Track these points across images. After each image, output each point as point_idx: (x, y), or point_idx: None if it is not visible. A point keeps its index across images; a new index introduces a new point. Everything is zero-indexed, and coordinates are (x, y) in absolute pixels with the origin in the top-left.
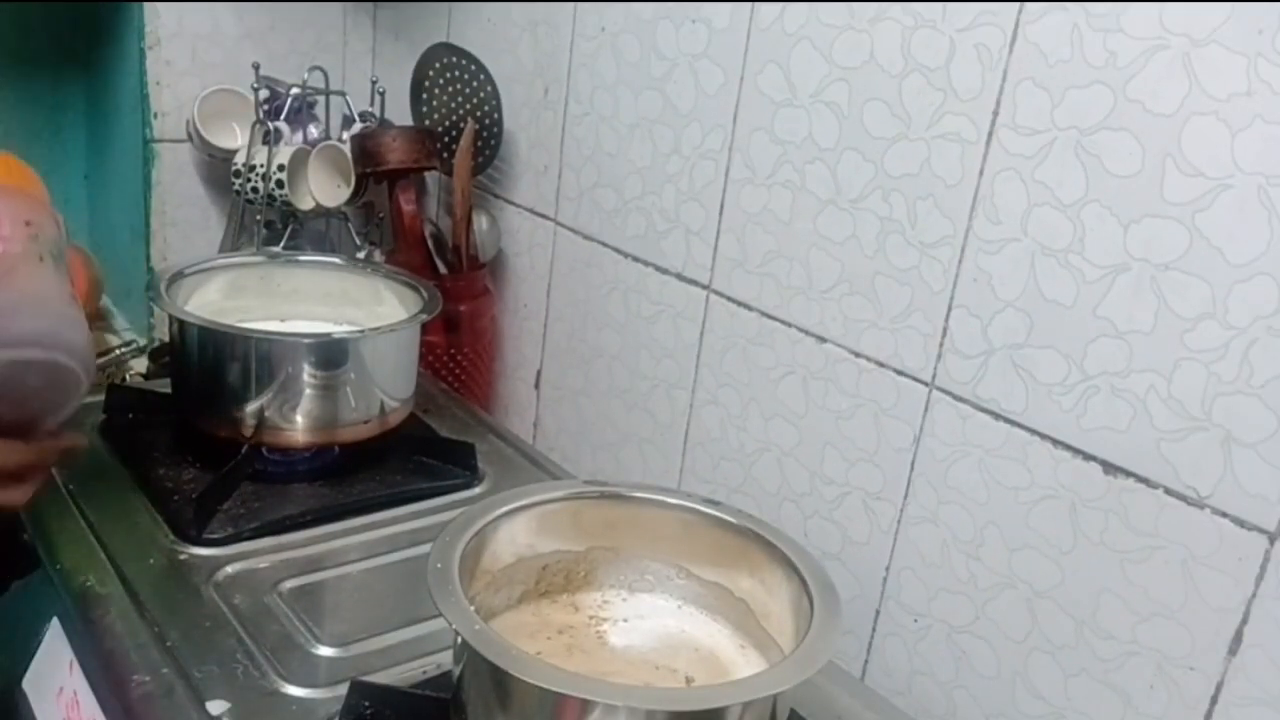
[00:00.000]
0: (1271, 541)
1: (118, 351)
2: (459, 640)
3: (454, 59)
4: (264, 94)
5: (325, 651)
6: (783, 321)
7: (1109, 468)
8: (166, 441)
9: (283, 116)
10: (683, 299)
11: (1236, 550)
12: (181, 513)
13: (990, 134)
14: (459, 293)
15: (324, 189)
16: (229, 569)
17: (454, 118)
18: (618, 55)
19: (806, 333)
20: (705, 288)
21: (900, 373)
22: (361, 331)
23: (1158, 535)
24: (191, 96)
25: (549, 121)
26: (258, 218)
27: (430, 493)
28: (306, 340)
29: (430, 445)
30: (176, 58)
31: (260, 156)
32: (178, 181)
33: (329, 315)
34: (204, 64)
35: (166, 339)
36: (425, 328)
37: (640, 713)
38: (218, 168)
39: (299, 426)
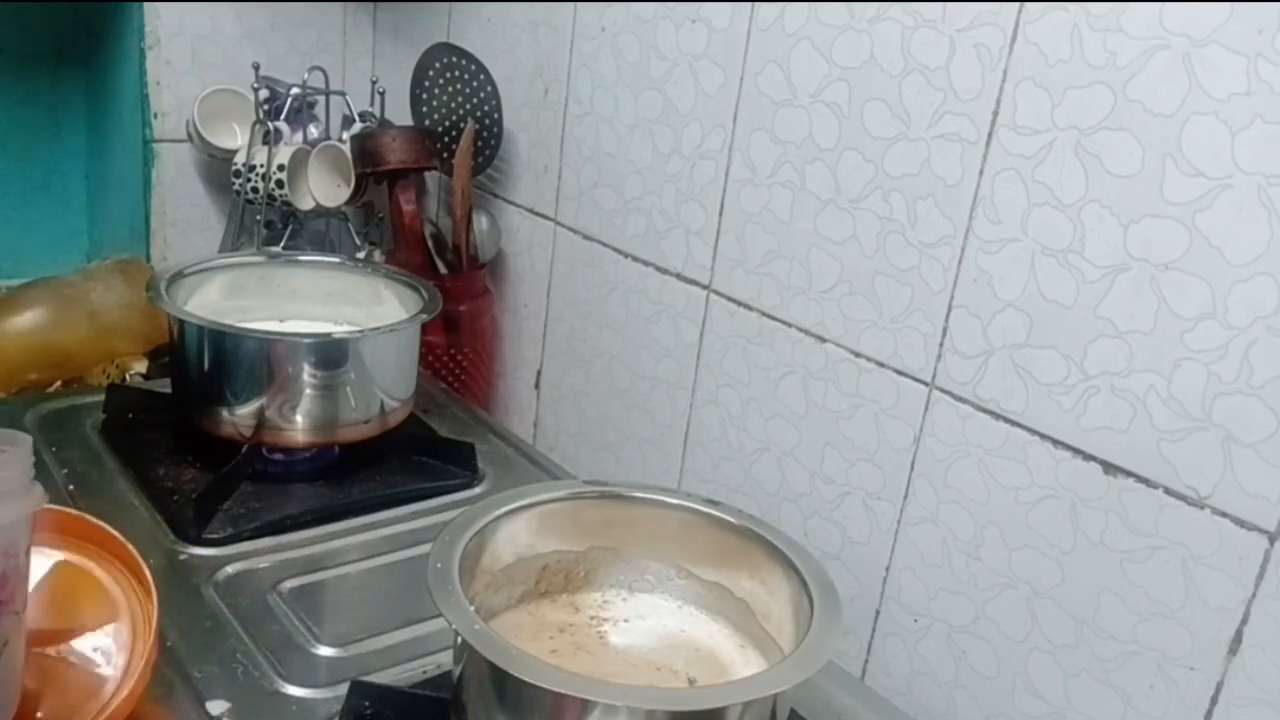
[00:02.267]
0: (1271, 541)
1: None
2: (459, 640)
3: (454, 59)
4: (264, 94)
5: (325, 651)
6: (783, 321)
7: (1109, 468)
8: (166, 441)
9: (283, 116)
10: (683, 299)
11: (1236, 550)
12: (181, 513)
13: (990, 134)
14: (459, 293)
15: (324, 189)
16: (229, 569)
17: (454, 118)
18: (618, 55)
19: (806, 333)
20: (705, 288)
21: (900, 373)
22: (361, 331)
23: (1158, 535)
24: (191, 96)
25: (549, 121)
26: (258, 218)
27: (430, 493)
28: (306, 340)
29: (430, 445)
30: (176, 58)
31: (260, 156)
32: (178, 181)
33: (329, 315)
34: (204, 64)
35: None
36: (425, 328)
37: (640, 713)
38: (218, 168)
39: (299, 426)
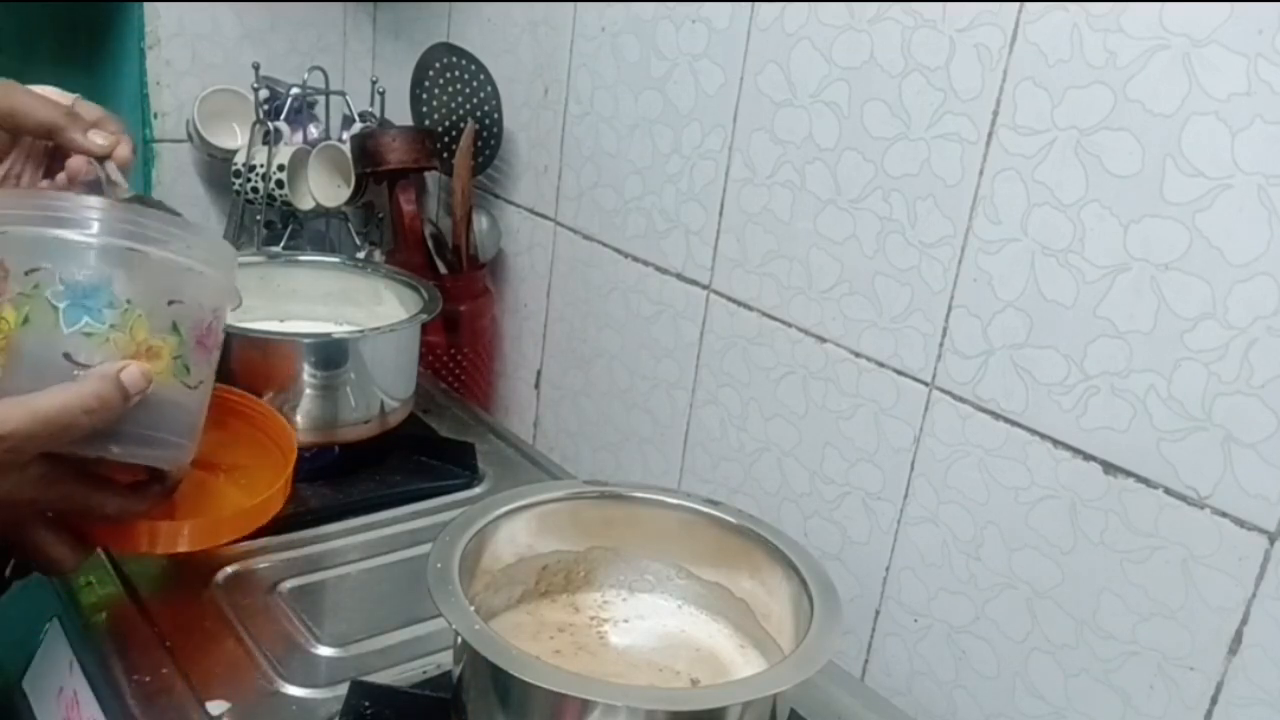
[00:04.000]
0: (1271, 541)
1: None
2: (459, 640)
3: (454, 59)
4: (264, 94)
5: (325, 651)
6: (783, 321)
7: (1109, 468)
8: None
9: (283, 116)
10: (683, 299)
11: (1236, 550)
12: None
13: (990, 134)
14: (459, 293)
15: (324, 189)
16: (229, 569)
17: (454, 118)
18: (618, 55)
19: (806, 333)
20: (705, 288)
21: (900, 373)
22: (361, 331)
23: (1158, 535)
24: (191, 96)
25: (549, 121)
26: (258, 218)
27: (430, 493)
28: (306, 340)
29: (430, 445)
30: (176, 58)
31: (260, 156)
32: (178, 181)
33: (329, 315)
34: (204, 64)
35: None
36: (425, 328)
37: (640, 713)
38: (218, 168)
39: (299, 426)
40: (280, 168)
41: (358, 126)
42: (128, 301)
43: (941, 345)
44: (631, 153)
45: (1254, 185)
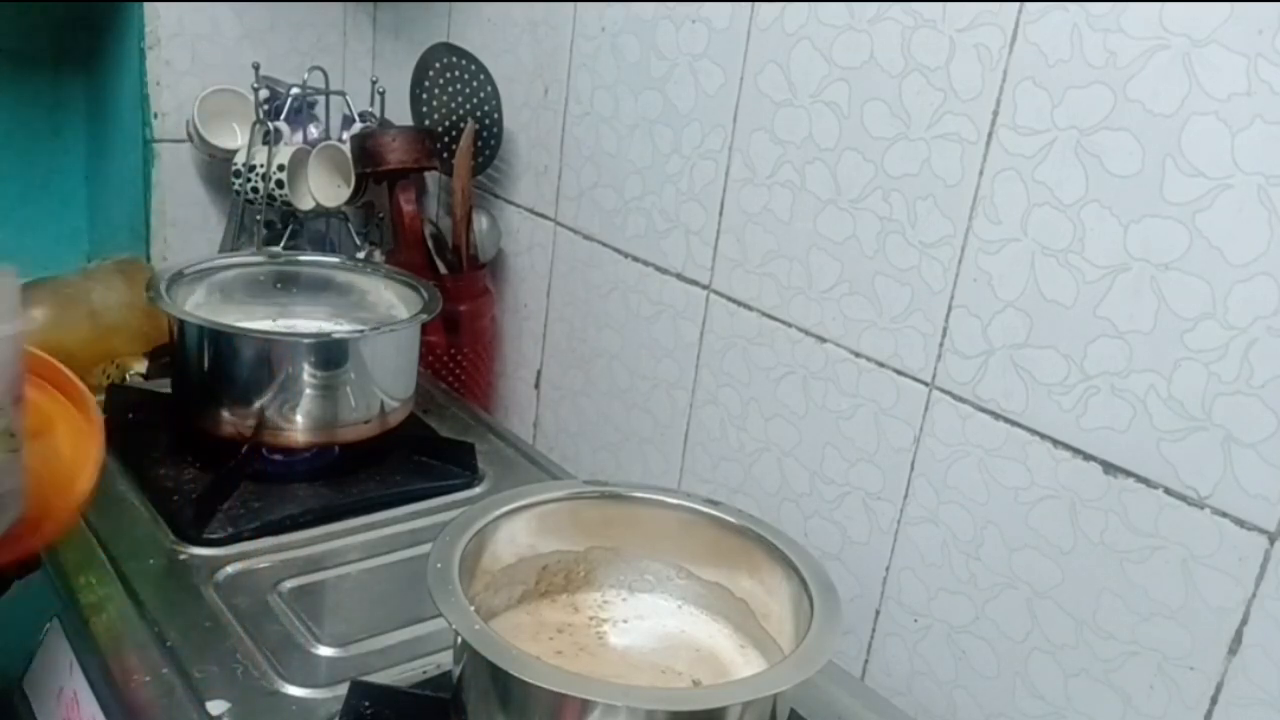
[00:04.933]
0: (1271, 541)
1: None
2: (459, 640)
3: (454, 59)
4: (264, 94)
5: (325, 651)
6: (783, 321)
7: (1109, 468)
8: (166, 441)
9: (283, 116)
10: (683, 299)
11: (1236, 550)
12: (181, 513)
13: (990, 134)
14: (459, 293)
15: (324, 189)
16: (229, 569)
17: (454, 118)
18: (618, 55)
19: (806, 333)
20: (705, 288)
21: (900, 373)
22: (361, 331)
23: (1158, 535)
24: (191, 96)
25: (549, 121)
26: (258, 218)
27: (430, 493)
28: (306, 340)
29: (430, 445)
30: (176, 58)
31: (260, 156)
32: (178, 181)
33: (329, 315)
34: (204, 64)
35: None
36: (425, 328)
37: (640, 713)
38: (218, 168)
39: (299, 426)
40: (280, 168)
41: (358, 126)
42: None
43: (941, 345)
44: (631, 153)
45: (1254, 185)
